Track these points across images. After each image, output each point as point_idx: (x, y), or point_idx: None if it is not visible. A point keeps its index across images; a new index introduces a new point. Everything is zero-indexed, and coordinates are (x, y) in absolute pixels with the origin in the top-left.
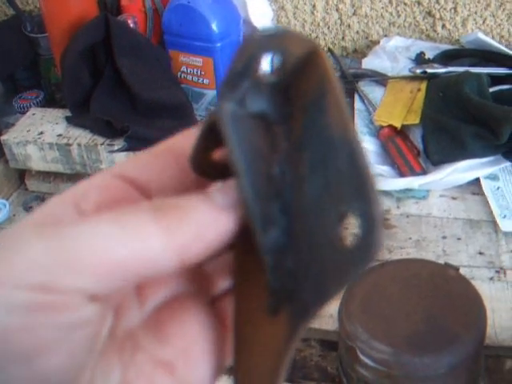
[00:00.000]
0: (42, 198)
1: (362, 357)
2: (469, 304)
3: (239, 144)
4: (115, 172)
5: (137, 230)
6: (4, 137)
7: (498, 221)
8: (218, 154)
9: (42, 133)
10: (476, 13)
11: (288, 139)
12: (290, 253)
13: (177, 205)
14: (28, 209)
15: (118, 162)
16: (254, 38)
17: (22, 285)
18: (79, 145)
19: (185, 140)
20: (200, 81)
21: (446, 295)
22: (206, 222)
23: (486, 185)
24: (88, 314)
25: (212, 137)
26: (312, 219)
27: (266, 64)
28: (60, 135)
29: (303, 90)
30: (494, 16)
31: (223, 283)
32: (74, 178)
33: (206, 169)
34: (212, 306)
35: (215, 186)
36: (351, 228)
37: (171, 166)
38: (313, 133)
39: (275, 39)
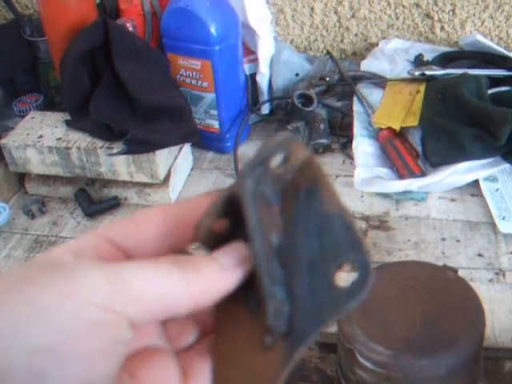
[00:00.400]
0: (41, 202)
1: (360, 359)
2: (467, 306)
3: (255, 214)
4: (104, 235)
5: (166, 275)
6: (3, 140)
7: (496, 222)
8: (219, 225)
9: (41, 136)
10: (474, 15)
11: (282, 217)
12: (288, 301)
13: (193, 261)
14: (28, 212)
15: (106, 226)
16: (272, 141)
17: (89, 302)
18: (78, 148)
19: (178, 207)
20: (199, 84)
21: (445, 297)
22: (215, 277)
23: (484, 186)
24: (128, 336)
25: (225, 207)
26: (310, 272)
27: (276, 160)
28: (59, 139)
29: (298, 183)
30: (492, 18)
31: (187, 339)
32: (73, 181)
33: (207, 235)
34: (177, 357)
35: (220, 251)
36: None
37: (151, 235)
38: (307, 213)
39: (285, 144)
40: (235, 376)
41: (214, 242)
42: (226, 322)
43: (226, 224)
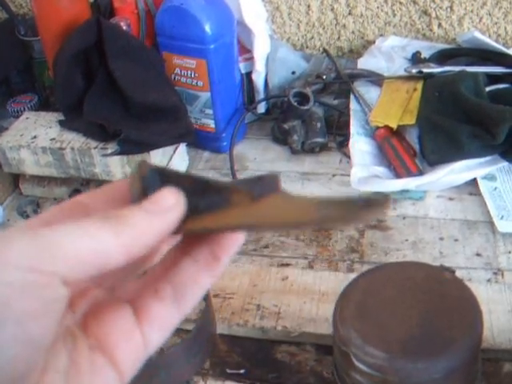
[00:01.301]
0: (36, 202)
1: (356, 362)
2: (465, 307)
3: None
4: (78, 200)
5: (94, 232)
6: None
7: (495, 221)
8: None
9: (35, 137)
10: (472, 11)
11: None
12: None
13: (120, 214)
14: (22, 213)
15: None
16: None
17: (15, 266)
18: (72, 149)
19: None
20: (194, 83)
21: (442, 298)
22: (143, 226)
23: (483, 185)
24: (62, 293)
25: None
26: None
27: None
28: (53, 139)
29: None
30: (490, 15)
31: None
32: (67, 181)
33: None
34: (127, 303)
35: (147, 199)
36: None
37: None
38: None
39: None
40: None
41: None
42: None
43: None
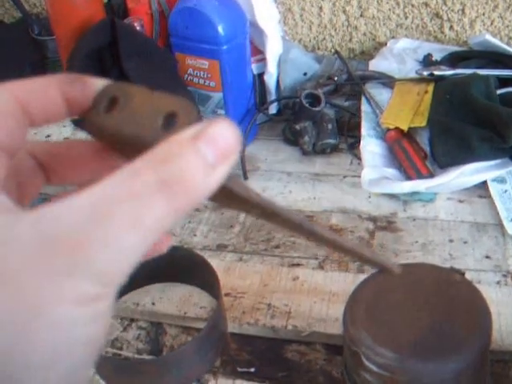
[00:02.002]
0: (48, 200)
1: (366, 362)
2: (474, 309)
3: None
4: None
5: (147, 214)
6: None
7: (505, 224)
8: None
9: (49, 136)
10: (484, 14)
11: None
12: None
13: (180, 179)
14: None
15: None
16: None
17: None
18: None
19: None
20: (206, 83)
21: (452, 300)
22: (200, 188)
23: (493, 188)
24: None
25: None
26: None
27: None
28: (67, 138)
29: None
30: (502, 17)
31: None
32: None
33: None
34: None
35: (202, 136)
36: None
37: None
38: None
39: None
40: None
41: None
42: None
43: None
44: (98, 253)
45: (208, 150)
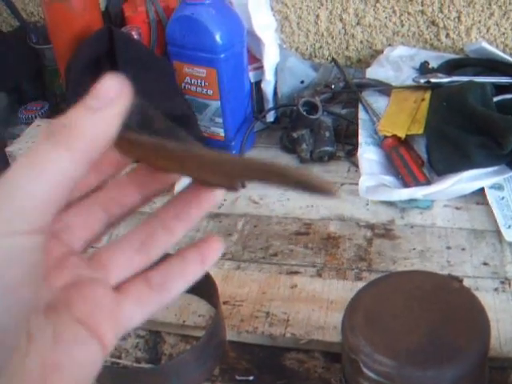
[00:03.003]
0: None
1: (365, 370)
2: (472, 316)
3: None
4: None
5: (47, 163)
6: (9, 148)
7: (502, 231)
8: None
9: None
10: (480, 22)
11: None
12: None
13: (65, 124)
14: None
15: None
16: None
17: None
18: None
19: None
20: (204, 92)
21: (450, 307)
22: (91, 130)
23: (490, 195)
24: (30, 242)
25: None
26: None
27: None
28: None
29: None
30: (497, 25)
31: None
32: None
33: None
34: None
35: (90, 94)
36: None
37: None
38: None
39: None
40: None
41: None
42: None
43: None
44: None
45: (91, 100)
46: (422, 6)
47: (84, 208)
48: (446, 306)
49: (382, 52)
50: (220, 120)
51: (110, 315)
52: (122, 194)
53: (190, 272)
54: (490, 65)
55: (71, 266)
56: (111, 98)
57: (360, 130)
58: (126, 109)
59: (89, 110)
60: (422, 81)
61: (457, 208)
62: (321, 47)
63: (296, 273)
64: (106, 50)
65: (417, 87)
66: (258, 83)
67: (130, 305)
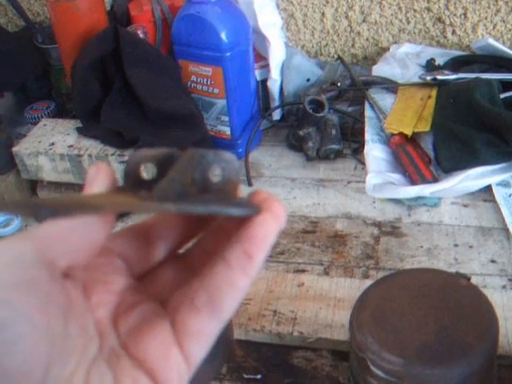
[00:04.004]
0: None
1: (373, 368)
2: (481, 314)
3: None
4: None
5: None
6: (15, 148)
7: (510, 228)
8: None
9: (53, 144)
10: (486, 18)
11: None
12: None
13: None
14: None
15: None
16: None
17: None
18: (90, 155)
19: None
20: (210, 90)
21: (458, 305)
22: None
23: (497, 192)
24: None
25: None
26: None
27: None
28: (71, 146)
29: None
30: (504, 21)
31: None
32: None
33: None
34: (168, 318)
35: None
36: None
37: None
38: None
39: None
40: None
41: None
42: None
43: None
44: None
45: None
46: (428, 2)
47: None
48: (454, 303)
49: (388, 49)
50: (226, 118)
51: (165, 356)
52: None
53: (238, 277)
54: (497, 61)
55: (139, 312)
56: (90, 177)
57: (366, 128)
58: (106, 185)
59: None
60: (429, 78)
61: (464, 205)
62: (327, 45)
63: (303, 271)
64: (111, 50)
65: (423, 84)
66: (263, 81)
67: (186, 339)
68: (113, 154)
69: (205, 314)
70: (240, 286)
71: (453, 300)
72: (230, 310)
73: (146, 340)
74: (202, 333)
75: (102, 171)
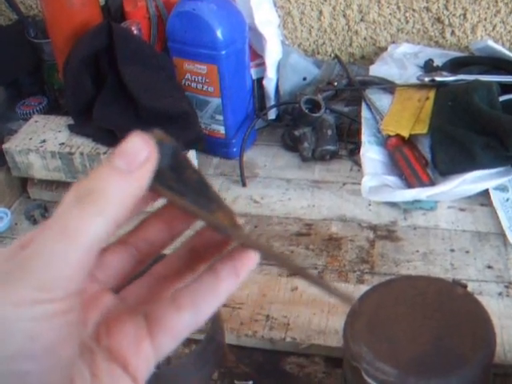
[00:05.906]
0: (44, 207)
1: (366, 378)
2: (477, 324)
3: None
4: None
5: (80, 232)
6: (6, 145)
7: (507, 233)
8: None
9: (44, 141)
10: (486, 19)
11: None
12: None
13: (94, 189)
14: (30, 217)
15: None
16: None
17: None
18: (82, 154)
19: None
20: (205, 88)
21: (454, 314)
22: (119, 194)
23: (495, 196)
24: (66, 305)
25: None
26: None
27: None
28: (62, 144)
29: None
30: (503, 23)
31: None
32: None
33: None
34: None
35: (116, 154)
36: None
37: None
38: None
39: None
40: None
41: None
42: None
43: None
44: (33, 265)
45: (119, 161)
46: (427, 2)
47: (118, 247)
48: (450, 313)
49: (386, 49)
50: (221, 117)
51: (138, 349)
52: (153, 234)
53: (222, 288)
54: (496, 63)
55: (104, 304)
56: (140, 162)
57: (363, 129)
58: (153, 171)
59: (117, 173)
60: (427, 79)
61: (461, 209)
62: (324, 44)
63: (297, 275)
64: (105, 46)
65: (421, 86)
66: (259, 80)
67: (160, 333)
68: (105, 153)
69: (185, 313)
70: (222, 296)
71: (449, 309)
72: (209, 314)
73: (117, 331)
74: (177, 330)
75: (152, 159)
